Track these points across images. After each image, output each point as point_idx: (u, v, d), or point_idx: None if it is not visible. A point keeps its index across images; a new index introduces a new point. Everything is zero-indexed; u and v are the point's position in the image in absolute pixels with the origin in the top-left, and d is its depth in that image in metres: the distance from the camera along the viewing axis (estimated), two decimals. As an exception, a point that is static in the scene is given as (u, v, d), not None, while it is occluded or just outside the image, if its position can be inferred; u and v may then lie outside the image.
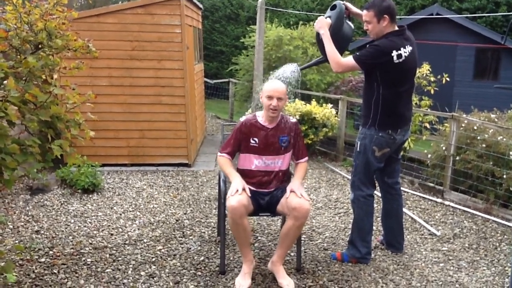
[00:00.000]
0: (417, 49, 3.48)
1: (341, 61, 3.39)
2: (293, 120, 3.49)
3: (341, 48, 3.49)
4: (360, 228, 3.63)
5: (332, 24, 3.47)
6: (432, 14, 11.16)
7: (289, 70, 3.67)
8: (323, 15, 3.56)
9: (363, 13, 3.41)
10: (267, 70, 9.18)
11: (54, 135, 2.83)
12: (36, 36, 2.82)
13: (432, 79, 7.44)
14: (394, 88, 3.37)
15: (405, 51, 3.29)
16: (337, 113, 7.28)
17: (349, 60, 3.37)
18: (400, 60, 3.26)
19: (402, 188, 3.97)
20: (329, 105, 7.28)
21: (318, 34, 3.55)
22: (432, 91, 7.54)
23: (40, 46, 2.90)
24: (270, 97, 3.27)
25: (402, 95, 3.43)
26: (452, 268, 3.66)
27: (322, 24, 3.47)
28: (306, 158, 3.52)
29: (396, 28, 3.40)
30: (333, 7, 3.55)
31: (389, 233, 3.88)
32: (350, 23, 3.64)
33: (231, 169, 3.36)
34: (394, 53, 3.24)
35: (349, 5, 3.61)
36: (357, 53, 3.37)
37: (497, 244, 4.14)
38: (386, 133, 3.44)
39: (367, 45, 3.42)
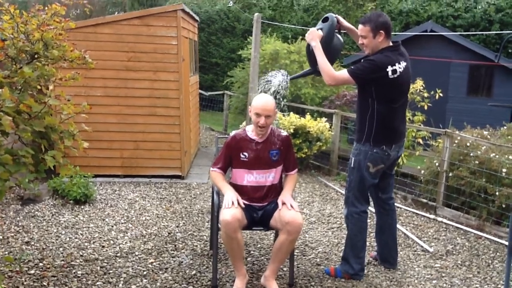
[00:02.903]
0: (411, 65, 3.51)
1: (334, 74, 3.40)
2: (284, 133, 3.49)
3: (330, 60, 3.50)
4: (353, 245, 3.62)
5: (324, 36, 3.48)
6: (426, 31, 11.26)
7: (278, 78, 3.68)
8: (314, 28, 3.57)
9: (359, 27, 3.43)
10: (263, 83, 9.22)
11: (47, 145, 2.81)
12: (32, 46, 2.81)
13: (426, 94, 7.48)
14: (389, 103, 3.38)
15: (400, 66, 3.31)
16: (331, 127, 7.30)
17: (343, 73, 3.38)
18: (395, 75, 3.28)
19: (395, 204, 3.96)
20: (324, 119, 7.30)
21: (308, 46, 3.56)
22: (426, 107, 7.58)
23: (36, 56, 2.89)
24: (258, 115, 3.27)
25: (396, 110, 3.44)
26: (445, 285, 3.64)
27: (314, 35, 3.47)
28: (296, 170, 3.54)
29: (391, 44, 3.42)
30: (325, 20, 3.58)
31: (384, 248, 3.87)
32: (340, 36, 3.67)
33: (223, 182, 3.36)
34: (389, 69, 3.26)
35: (341, 18, 3.65)
36: (352, 67, 3.38)
37: (490, 262, 4.14)
38: (380, 149, 3.44)
39: (362, 60, 3.43)
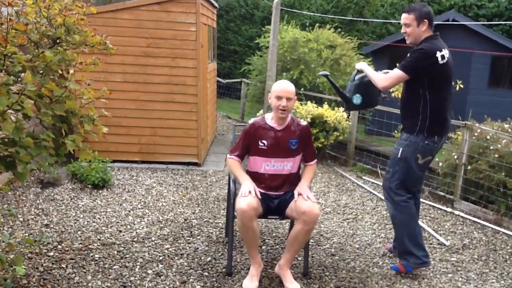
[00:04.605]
0: None
1: (386, 76, 3.43)
2: (304, 123, 3.47)
3: (371, 101, 3.66)
4: (410, 234, 3.53)
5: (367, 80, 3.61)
6: (448, 20, 11.07)
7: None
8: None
9: (403, 16, 3.46)
10: (281, 71, 9.16)
11: (67, 129, 2.84)
12: (54, 31, 2.83)
13: (446, 86, 7.38)
14: (440, 92, 3.38)
15: (446, 52, 3.33)
16: (348, 117, 7.24)
17: (394, 72, 3.39)
18: (444, 61, 3.30)
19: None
20: (341, 109, 7.25)
21: (353, 77, 3.65)
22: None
23: (58, 41, 2.91)
24: (279, 97, 3.25)
25: (446, 99, 3.44)
26: (460, 279, 3.62)
27: (365, 64, 3.62)
28: (315, 160, 3.52)
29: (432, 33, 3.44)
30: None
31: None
32: None
33: (241, 171, 3.36)
34: (438, 54, 3.28)
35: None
36: (401, 64, 3.37)
37: (507, 257, 4.09)
38: (432, 141, 3.42)
39: (408, 54, 3.41)
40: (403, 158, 3.48)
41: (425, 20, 3.36)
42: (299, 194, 3.24)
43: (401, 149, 3.49)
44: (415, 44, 3.44)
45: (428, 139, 3.42)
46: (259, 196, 3.18)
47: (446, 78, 3.41)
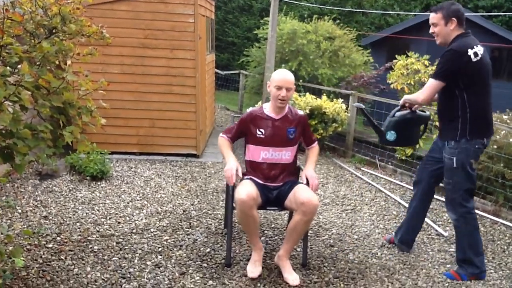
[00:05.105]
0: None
1: (422, 90, 3.35)
2: (301, 113, 3.51)
3: (404, 138, 3.65)
4: (472, 244, 3.44)
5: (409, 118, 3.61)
6: (447, 12, 11.02)
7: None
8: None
9: (431, 16, 3.35)
10: (279, 63, 9.13)
11: (65, 121, 2.82)
12: (50, 20, 2.80)
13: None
14: (478, 90, 3.25)
15: (479, 49, 3.21)
16: (347, 108, 7.23)
17: (428, 82, 3.30)
18: (478, 58, 3.17)
19: (410, 187, 3.93)
20: (340, 100, 7.24)
21: (393, 113, 3.61)
22: (445, 90, 7.47)
23: (54, 31, 2.88)
24: (279, 87, 3.27)
25: (486, 96, 3.30)
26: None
27: (409, 96, 3.54)
28: (316, 142, 3.61)
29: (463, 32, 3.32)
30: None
31: (409, 230, 3.84)
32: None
33: (228, 150, 3.42)
34: (470, 52, 3.16)
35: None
36: (433, 72, 3.29)
37: (505, 247, 4.10)
38: (482, 144, 3.32)
39: (439, 59, 3.31)
40: (459, 167, 3.32)
41: (453, 19, 3.24)
42: (306, 179, 3.31)
43: (454, 158, 3.33)
44: (445, 44, 3.32)
45: (478, 142, 3.29)
46: (240, 175, 3.25)
47: (482, 76, 3.25)
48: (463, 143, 3.29)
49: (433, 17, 3.33)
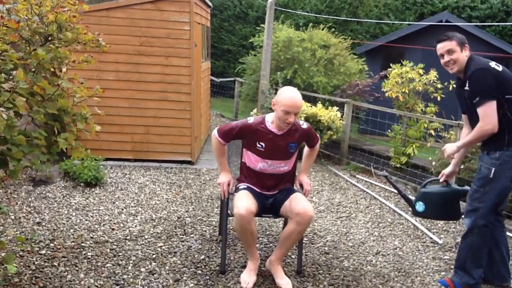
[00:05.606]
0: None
1: (482, 119, 3.14)
2: (305, 126, 3.37)
3: (433, 211, 3.54)
4: (476, 256, 3.32)
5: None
6: (441, 21, 11.11)
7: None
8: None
9: (444, 45, 3.28)
10: (275, 70, 9.17)
11: (60, 128, 2.82)
12: (46, 28, 2.81)
13: (439, 85, 7.42)
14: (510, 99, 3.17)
15: (493, 62, 3.22)
16: (342, 116, 7.26)
17: (483, 109, 3.12)
18: (500, 68, 3.17)
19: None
20: (335, 108, 7.26)
21: (425, 184, 3.57)
22: (439, 98, 7.52)
23: (50, 38, 2.89)
24: (287, 113, 3.09)
25: None
26: (453, 277, 3.63)
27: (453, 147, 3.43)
28: (319, 140, 3.58)
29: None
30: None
31: (499, 262, 3.54)
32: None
33: (222, 159, 3.45)
34: (492, 64, 3.16)
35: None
36: (478, 97, 3.13)
37: (499, 255, 4.11)
38: None
39: (467, 87, 3.20)
40: (496, 178, 3.18)
41: (466, 45, 3.25)
42: (300, 185, 3.46)
43: (493, 169, 3.18)
44: (460, 72, 3.29)
45: None
46: (232, 190, 3.36)
47: (510, 84, 3.18)
48: (502, 154, 3.18)
49: (449, 44, 3.25)
